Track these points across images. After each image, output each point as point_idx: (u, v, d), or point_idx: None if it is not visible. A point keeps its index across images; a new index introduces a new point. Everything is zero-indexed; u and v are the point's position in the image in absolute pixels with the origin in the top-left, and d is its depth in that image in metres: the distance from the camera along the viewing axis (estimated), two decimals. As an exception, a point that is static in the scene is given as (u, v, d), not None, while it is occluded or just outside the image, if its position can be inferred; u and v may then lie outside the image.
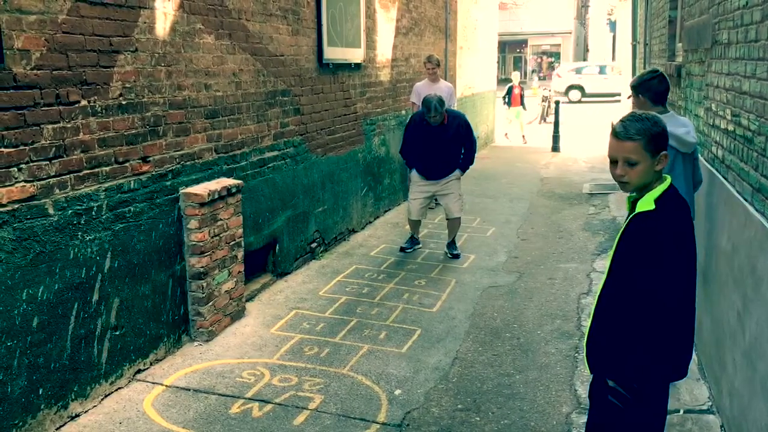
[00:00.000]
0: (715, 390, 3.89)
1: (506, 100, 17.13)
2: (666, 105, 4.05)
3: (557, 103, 15.74)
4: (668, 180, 2.42)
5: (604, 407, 2.42)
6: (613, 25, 34.03)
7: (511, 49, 49.74)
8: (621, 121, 2.40)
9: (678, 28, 7.20)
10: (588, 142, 15.85)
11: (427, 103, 6.50)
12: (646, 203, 2.34)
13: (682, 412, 3.84)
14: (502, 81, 24.87)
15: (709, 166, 4.40)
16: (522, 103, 17.04)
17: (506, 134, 17.38)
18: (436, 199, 7.50)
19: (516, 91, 16.91)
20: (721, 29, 4.10)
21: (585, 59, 47.74)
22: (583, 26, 52.88)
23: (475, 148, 6.97)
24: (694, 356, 4.45)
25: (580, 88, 32.45)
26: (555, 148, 14.89)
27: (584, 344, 2.53)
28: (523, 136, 16.87)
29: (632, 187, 2.41)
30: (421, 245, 7.21)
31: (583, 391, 4.10)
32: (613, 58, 33.64)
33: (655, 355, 2.33)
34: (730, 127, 3.81)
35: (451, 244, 7.03)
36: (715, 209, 4.14)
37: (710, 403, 3.92)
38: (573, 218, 8.57)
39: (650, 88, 3.98)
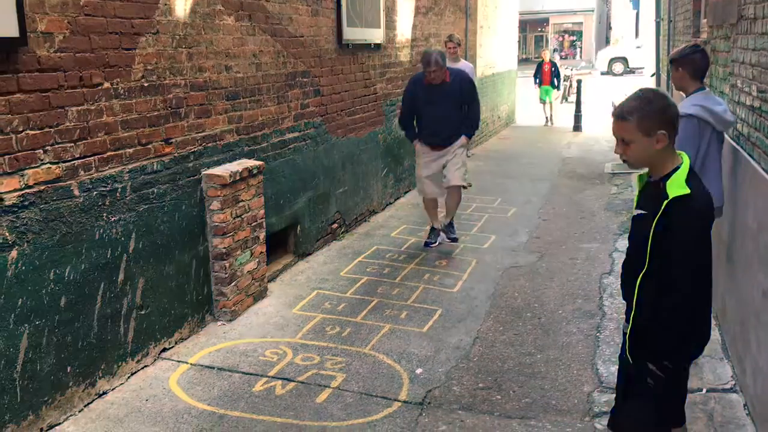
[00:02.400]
0: (739, 369, 3.87)
1: (537, 79, 15.83)
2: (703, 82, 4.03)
3: (579, 82, 15.56)
4: (686, 158, 2.39)
5: (644, 391, 2.43)
6: (636, 2, 33.49)
7: (532, 27, 49.17)
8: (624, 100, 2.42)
9: (703, 3, 7.08)
10: (610, 122, 15.66)
11: (427, 57, 5.93)
12: (679, 186, 2.30)
13: (705, 391, 3.82)
14: (522, 61, 24.56)
15: (734, 144, 4.35)
16: (552, 82, 15.65)
17: (547, 119, 15.92)
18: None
19: (546, 68, 15.71)
20: (747, 4, 4.03)
21: (607, 37, 47.10)
22: (605, 4, 52.07)
23: (479, 110, 6.45)
24: (717, 335, 4.42)
25: (624, 60, 33.22)
26: (577, 127, 14.74)
27: (628, 330, 2.50)
28: (548, 118, 15.78)
29: (634, 166, 2.47)
30: (442, 236, 6.51)
31: (604, 370, 4.10)
32: (636, 36, 33.23)
33: (681, 333, 2.34)
34: (756, 104, 3.75)
35: (449, 226, 6.50)
36: (739, 187, 4.09)
37: (733, 382, 3.90)
38: (595, 198, 8.51)
39: (693, 62, 3.98)
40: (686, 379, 2.56)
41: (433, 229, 6.60)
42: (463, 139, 6.25)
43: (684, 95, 4.08)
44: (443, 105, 6.07)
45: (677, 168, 2.37)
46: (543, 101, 15.77)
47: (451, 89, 6.10)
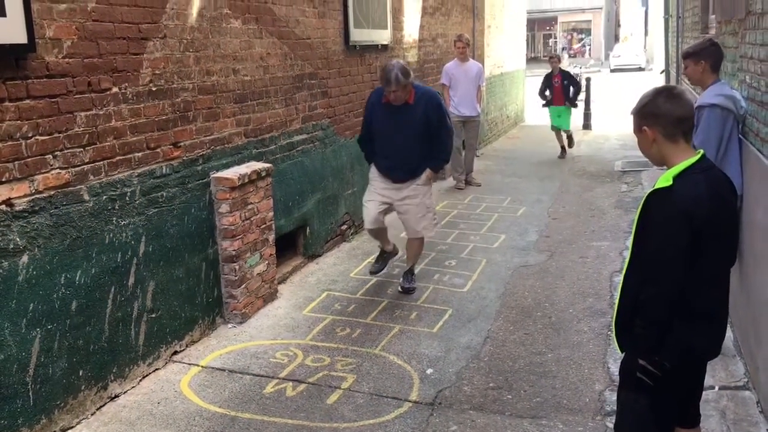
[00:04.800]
0: (751, 366, 3.84)
1: (545, 95, 11.38)
2: None
3: (588, 80, 15.51)
4: (697, 155, 2.37)
5: (634, 384, 2.42)
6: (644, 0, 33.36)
7: (540, 26, 49.08)
8: None
9: (711, -1, 7.04)
10: (620, 120, 15.61)
11: (386, 73, 4.79)
12: (664, 179, 2.33)
13: (717, 388, 3.80)
14: (531, 60, 24.20)
15: (743, 139, 4.32)
16: (568, 99, 11.18)
17: (563, 148, 11.47)
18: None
19: (556, 82, 11.22)
20: (756, -1, 4.00)
21: (617, 35, 46.91)
22: (614, 1, 51.90)
23: (451, 138, 5.22)
24: (729, 333, 4.39)
25: None
26: (586, 126, 14.69)
27: (613, 322, 2.52)
28: (563, 148, 11.45)
29: (651, 161, 2.51)
30: (399, 253, 5.71)
31: (615, 368, 4.07)
32: (646, 33, 33.06)
33: (682, 333, 2.32)
34: (765, 99, 3.73)
35: (408, 273, 5.41)
36: (749, 183, 4.06)
37: (746, 380, 3.87)
38: (605, 196, 8.48)
39: (712, 55, 4.14)
40: (694, 379, 2.53)
41: (382, 252, 5.58)
42: (427, 173, 5.18)
43: (701, 89, 4.16)
44: (403, 133, 5.01)
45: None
46: (556, 128, 11.44)
47: (414, 114, 4.97)
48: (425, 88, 5.29)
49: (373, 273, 5.54)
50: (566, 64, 32.76)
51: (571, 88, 11.26)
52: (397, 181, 5.18)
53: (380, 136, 5.13)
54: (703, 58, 4.13)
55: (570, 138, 11.69)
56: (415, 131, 5.00)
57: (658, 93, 2.43)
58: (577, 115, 15.80)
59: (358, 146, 5.49)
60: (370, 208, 5.25)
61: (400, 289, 5.37)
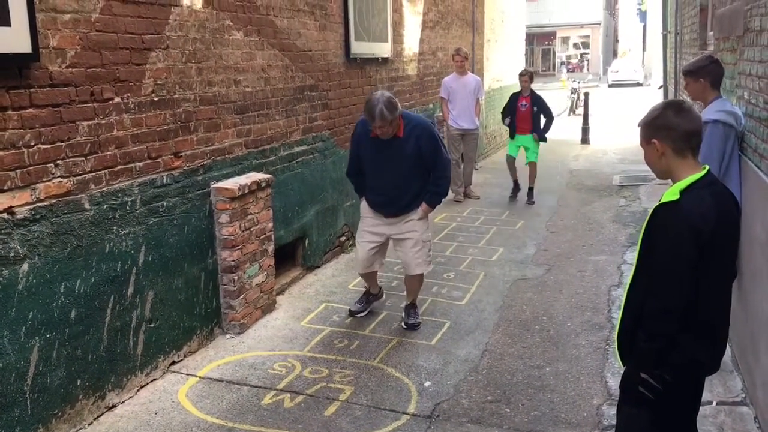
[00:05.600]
0: (749, 382, 3.85)
1: (508, 123, 9.19)
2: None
3: (586, 95, 15.59)
4: (703, 170, 2.38)
5: (635, 398, 2.42)
6: (643, 16, 33.60)
7: (539, 41, 49.34)
8: None
9: (709, 16, 7.10)
10: (618, 134, 15.68)
11: (370, 108, 4.38)
12: (671, 193, 2.33)
13: (715, 403, 3.80)
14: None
15: (741, 155, 4.34)
16: (536, 130, 8.96)
17: (515, 184, 9.30)
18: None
19: (522, 105, 8.95)
20: (753, 16, 4.04)
21: (615, 50, 47.16)
22: (612, 17, 52.22)
23: (448, 170, 4.82)
24: (727, 348, 4.39)
25: None
26: (585, 140, 14.75)
27: (615, 336, 2.53)
28: (516, 183, 9.27)
29: (656, 174, 2.50)
30: (384, 297, 5.41)
31: (614, 382, 4.08)
32: (644, 48, 33.24)
33: (685, 348, 2.32)
34: (763, 115, 3.75)
35: (410, 308, 5.06)
36: (747, 198, 4.08)
37: (744, 395, 3.88)
38: (603, 210, 8.50)
39: (712, 72, 4.18)
40: (693, 394, 2.53)
41: (366, 292, 5.28)
42: (424, 208, 4.82)
43: (702, 105, 4.20)
44: (395, 169, 4.65)
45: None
46: (512, 157, 9.19)
47: (405, 148, 4.58)
48: (417, 118, 4.84)
49: (353, 313, 5.15)
50: (565, 78, 32.85)
51: (542, 117, 8.96)
52: (390, 216, 4.84)
53: (370, 171, 4.77)
54: (703, 75, 4.17)
55: (533, 172, 9.06)
56: (407, 166, 4.64)
57: (667, 106, 2.43)
58: (575, 129, 15.78)
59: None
60: (361, 251, 4.97)
61: (403, 325, 4.98)
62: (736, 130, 4.05)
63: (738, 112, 4.15)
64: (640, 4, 34.12)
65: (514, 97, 9.10)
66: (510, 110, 9.11)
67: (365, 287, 5.31)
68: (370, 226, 4.92)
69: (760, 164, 3.84)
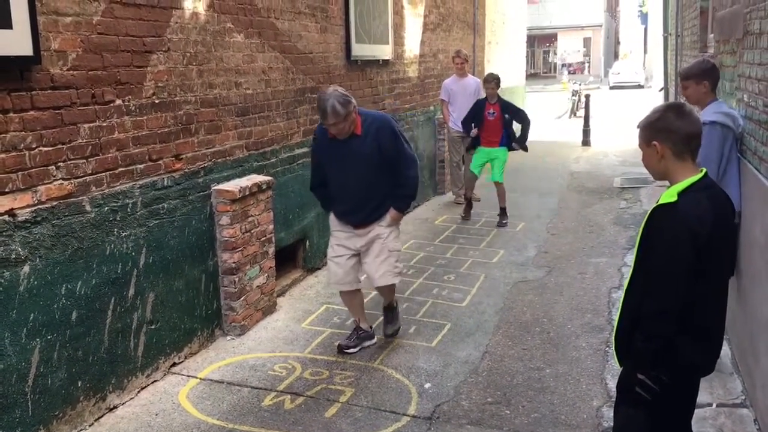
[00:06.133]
0: (749, 383, 3.85)
1: (475, 132, 7.96)
2: None
3: (587, 97, 15.59)
4: (701, 173, 2.39)
5: (632, 399, 2.43)
6: (644, 17, 33.61)
7: (540, 43, 49.35)
8: None
9: (710, 18, 7.11)
10: (619, 136, 15.68)
11: (321, 104, 4.10)
12: (669, 195, 2.34)
13: (714, 405, 3.80)
14: (530, 76, 24.10)
15: (741, 158, 4.35)
16: (515, 140, 8.01)
17: (468, 203, 8.30)
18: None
19: (490, 114, 7.82)
20: (753, 19, 4.05)
21: (616, 52, 47.19)
22: (613, 19, 52.24)
23: (413, 169, 4.40)
24: (727, 350, 4.40)
25: None
26: (585, 142, 14.75)
27: (613, 337, 2.54)
28: (469, 202, 8.31)
29: (653, 176, 2.51)
30: (375, 340, 4.72)
31: (614, 384, 4.07)
32: (645, 51, 33.25)
33: (682, 349, 2.33)
34: (763, 118, 3.76)
35: (387, 312, 4.74)
36: (748, 201, 4.09)
37: (743, 397, 3.88)
38: (604, 212, 8.50)
39: (713, 75, 4.24)
40: (689, 395, 2.54)
41: (357, 328, 4.70)
42: (392, 214, 4.44)
43: (699, 108, 4.22)
44: (355, 170, 4.29)
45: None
46: (474, 175, 8.16)
47: (363, 146, 4.24)
48: (375, 113, 4.56)
49: (341, 348, 4.57)
50: (566, 80, 32.83)
51: (515, 124, 8.01)
52: (359, 226, 4.44)
53: (332, 177, 4.41)
54: (706, 78, 4.20)
55: (502, 191, 7.98)
56: (368, 166, 4.26)
57: (668, 108, 2.43)
58: (576, 131, 15.78)
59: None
60: (339, 264, 4.51)
61: (384, 335, 4.70)
62: (734, 131, 4.07)
63: (735, 114, 4.17)
64: (641, 6, 34.15)
65: (480, 106, 7.97)
66: (476, 120, 7.97)
67: (355, 321, 4.73)
68: (341, 240, 4.53)
69: (759, 167, 3.84)
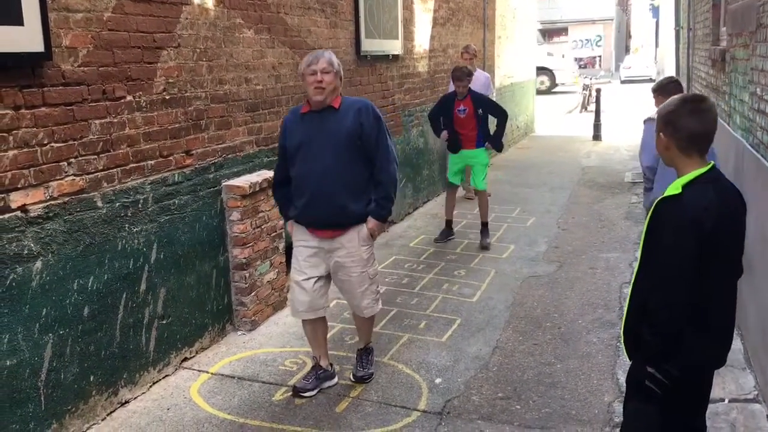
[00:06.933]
0: (761, 379, 3.83)
1: (445, 135, 6.89)
2: None
3: (598, 91, 15.50)
4: (707, 166, 2.37)
5: (642, 393, 2.41)
6: (656, 11, 33.38)
7: (550, 37, 49.09)
8: None
9: (722, 11, 7.05)
10: (630, 131, 15.58)
11: (314, 54, 3.75)
12: (674, 188, 2.32)
13: (727, 401, 3.78)
14: (539, 69, 23.73)
15: (754, 152, 4.32)
16: (488, 138, 6.88)
17: (448, 224, 7.17)
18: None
19: (461, 111, 6.71)
20: (766, 11, 4.01)
21: (627, 46, 46.93)
22: (625, 13, 51.93)
23: (392, 165, 3.81)
24: (739, 345, 4.38)
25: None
26: (596, 136, 14.68)
27: (621, 331, 2.52)
28: (450, 224, 7.19)
29: (664, 162, 2.51)
30: (336, 381, 4.12)
31: (625, 380, 4.07)
32: (656, 44, 33.03)
33: (691, 343, 2.31)
34: (776, 112, 3.73)
35: (362, 354, 4.21)
36: (760, 195, 4.06)
37: (756, 392, 3.85)
38: (615, 207, 8.47)
39: (672, 91, 4.29)
40: (701, 389, 2.52)
41: (316, 365, 4.09)
42: (370, 224, 3.84)
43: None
44: (325, 150, 3.70)
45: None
46: (454, 186, 7.21)
47: (340, 124, 3.70)
48: (359, 98, 4.04)
49: (297, 391, 3.98)
50: (577, 74, 32.57)
51: (486, 127, 6.84)
52: (325, 233, 3.81)
53: (297, 159, 3.77)
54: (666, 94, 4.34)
55: (484, 202, 7.04)
56: (339, 147, 3.68)
57: (684, 102, 2.39)
58: (587, 125, 15.71)
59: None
60: (305, 290, 3.89)
61: (351, 378, 4.15)
62: None
63: None
64: (652, 0, 33.91)
65: (448, 103, 6.81)
66: (445, 119, 6.83)
67: (313, 358, 4.13)
68: (305, 257, 3.89)
69: (772, 160, 3.82)
